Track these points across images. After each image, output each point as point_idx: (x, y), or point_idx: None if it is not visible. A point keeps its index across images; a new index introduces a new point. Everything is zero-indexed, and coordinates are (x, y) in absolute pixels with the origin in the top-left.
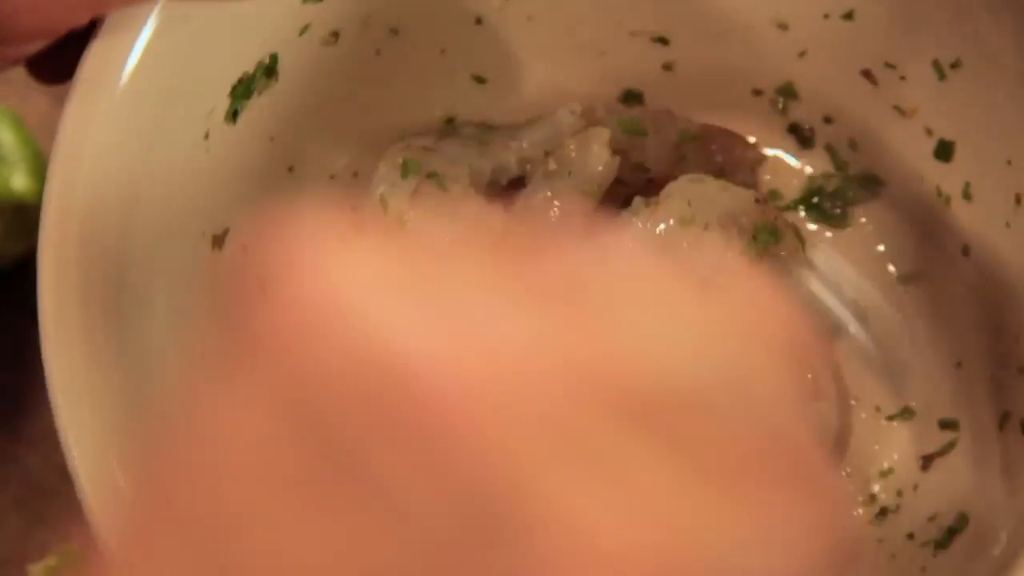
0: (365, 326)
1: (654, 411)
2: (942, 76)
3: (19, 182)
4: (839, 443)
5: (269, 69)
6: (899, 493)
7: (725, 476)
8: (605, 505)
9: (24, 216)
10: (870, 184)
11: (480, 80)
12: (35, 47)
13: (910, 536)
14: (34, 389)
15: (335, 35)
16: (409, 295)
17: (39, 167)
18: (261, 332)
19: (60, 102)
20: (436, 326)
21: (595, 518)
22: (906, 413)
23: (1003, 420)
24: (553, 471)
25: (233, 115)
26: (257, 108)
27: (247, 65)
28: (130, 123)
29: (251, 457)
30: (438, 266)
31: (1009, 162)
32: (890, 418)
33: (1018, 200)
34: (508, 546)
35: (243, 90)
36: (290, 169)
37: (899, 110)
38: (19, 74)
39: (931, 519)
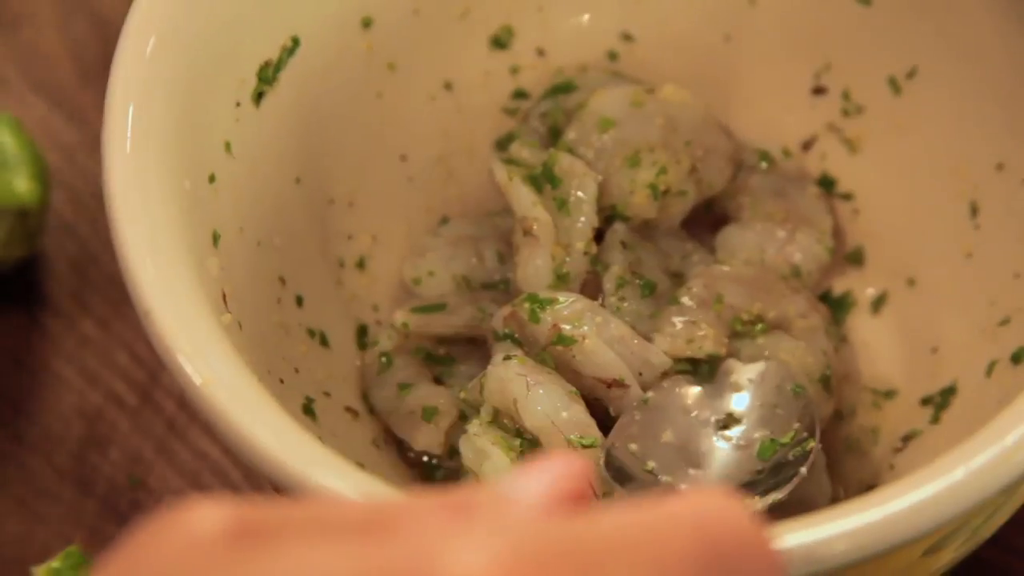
0: None
1: None
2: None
3: (21, 186)
4: None
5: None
6: None
7: None
8: None
9: (26, 220)
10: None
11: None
12: None
13: None
14: (35, 392)
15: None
16: None
17: (40, 171)
18: None
19: (58, 107)
20: None
21: None
22: None
23: None
24: None
25: (258, 97)
26: (279, 98)
27: (272, 48)
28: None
29: None
30: None
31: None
32: None
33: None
34: None
35: (269, 73)
36: (297, 180)
37: None
38: (18, 80)
39: None
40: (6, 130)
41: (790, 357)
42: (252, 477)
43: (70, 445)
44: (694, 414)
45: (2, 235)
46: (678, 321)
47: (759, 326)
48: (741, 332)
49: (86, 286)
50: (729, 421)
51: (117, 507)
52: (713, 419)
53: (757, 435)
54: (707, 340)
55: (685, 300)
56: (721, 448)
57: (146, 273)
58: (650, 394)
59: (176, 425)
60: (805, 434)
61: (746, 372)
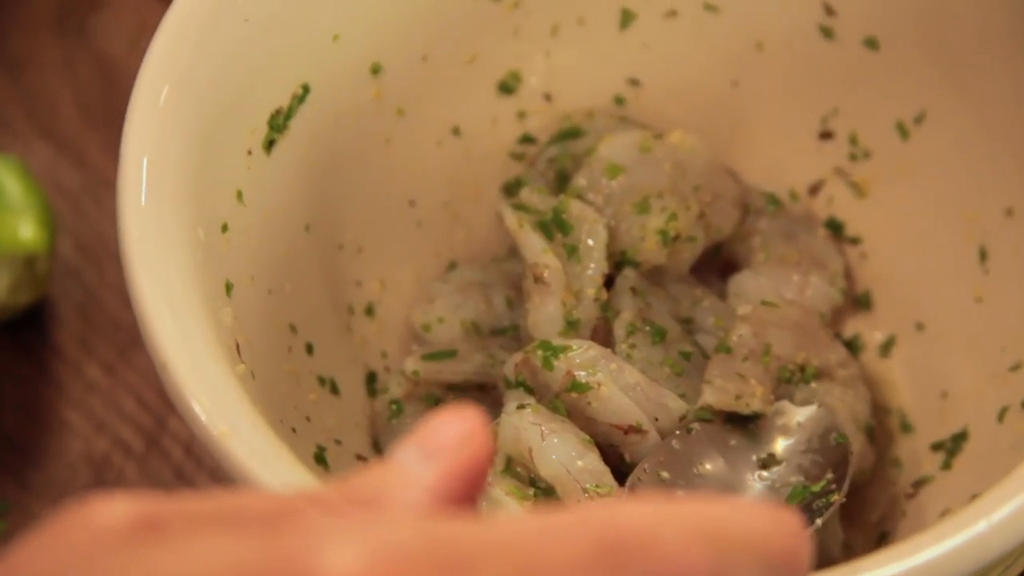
0: None
1: None
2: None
3: (27, 232)
4: None
5: (301, 99)
6: None
7: None
8: None
9: (33, 267)
10: None
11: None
12: None
13: None
14: (41, 439)
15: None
16: None
17: (47, 217)
18: None
19: (62, 152)
20: None
21: None
22: None
23: None
24: None
25: (269, 145)
26: (290, 145)
27: (283, 96)
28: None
29: None
30: None
31: None
32: None
33: None
34: None
35: (280, 120)
36: (307, 228)
37: None
38: (23, 124)
39: None
40: (12, 175)
41: (840, 404)
42: None
43: (77, 492)
44: (737, 450)
45: (9, 282)
46: (728, 374)
47: (808, 370)
48: (789, 378)
49: (92, 332)
50: (769, 461)
51: None
52: (754, 457)
53: (793, 479)
54: (755, 399)
55: (735, 348)
56: (755, 487)
57: (163, 325)
58: (696, 424)
59: (184, 472)
60: (834, 486)
61: (796, 415)
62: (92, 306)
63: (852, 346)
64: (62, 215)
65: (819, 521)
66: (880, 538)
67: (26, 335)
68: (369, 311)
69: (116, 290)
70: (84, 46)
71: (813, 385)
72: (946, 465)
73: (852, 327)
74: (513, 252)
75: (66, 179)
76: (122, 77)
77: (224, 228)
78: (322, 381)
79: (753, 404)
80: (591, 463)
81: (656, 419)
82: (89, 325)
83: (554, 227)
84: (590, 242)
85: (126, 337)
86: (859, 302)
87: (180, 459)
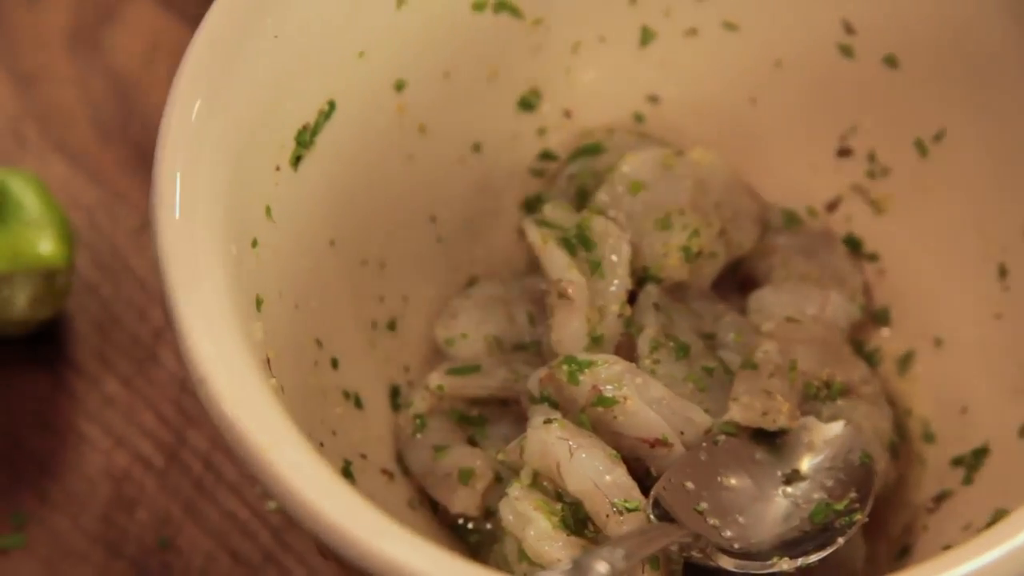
0: None
1: None
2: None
3: (47, 247)
4: None
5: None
6: None
7: None
8: None
9: (52, 282)
10: None
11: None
12: None
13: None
14: (60, 452)
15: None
16: None
17: (66, 232)
18: None
19: (78, 166)
20: None
21: None
22: None
23: None
24: None
25: (296, 160)
26: (316, 161)
27: (310, 112)
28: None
29: None
30: None
31: None
32: None
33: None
34: None
35: (307, 136)
36: (331, 243)
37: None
38: (38, 139)
39: None
40: (31, 190)
41: (866, 422)
42: (281, 537)
43: (97, 506)
44: (762, 464)
45: (29, 297)
46: (755, 390)
47: (834, 386)
48: (815, 394)
49: (109, 346)
50: (794, 477)
51: (148, 569)
52: (779, 473)
53: (816, 496)
54: (781, 415)
55: (761, 364)
56: (778, 502)
57: (200, 341)
58: (722, 436)
59: (204, 485)
60: (857, 505)
61: (822, 432)
62: (109, 321)
63: (870, 361)
64: (78, 230)
65: (842, 540)
66: (902, 552)
67: (45, 349)
68: (391, 326)
69: (133, 305)
70: (98, 61)
71: (839, 402)
72: (967, 480)
73: (871, 343)
74: (533, 267)
75: (81, 194)
76: (136, 92)
77: (254, 243)
78: (347, 395)
79: (780, 420)
80: (619, 478)
81: (681, 433)
82: (107, 339)
83: (577, 243)
84: (614, 258)
85: (143, 351)
86: (877, 318)
87: (200, 472)
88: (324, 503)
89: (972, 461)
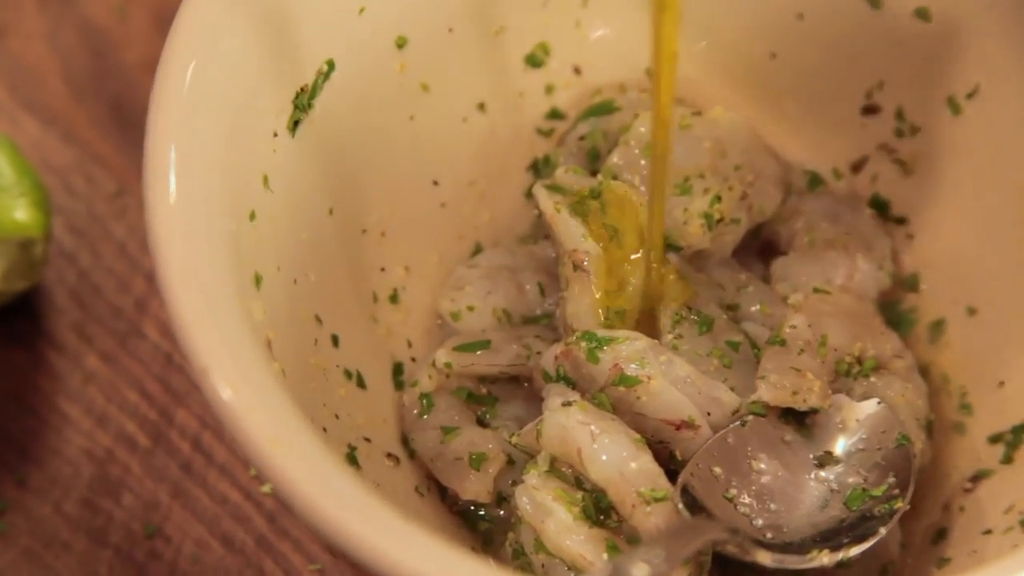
0: None
1: None
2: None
3: (23, 215)
4: None
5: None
6: None
7: None
8: None
9: (29, 251)
10: None
11: None
12: None
13: None
14: (40, 434)
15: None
16: None
17: (42, 198)
18: None
19: (50, 126)
20: None
21: None
22: None
23: None
24: None
25: (294, 125)
26: (314, 125)
27: (308, 73)
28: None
29: None
30: None
31: None
32: None
33: None
34: None
35: (305, 100)
36: (330, 211)
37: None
38: (7, 97)
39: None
40: (3, 153)
41: (901, 399)
42: (277, 522)
43: (80, 491)
44: (793, 447)
45: (3, 268)
46: (783, 368)
47: (867, 363)
48: (847, 371)
49: (89, 319)
50: (827, 460)
51: (134, 558)
52: (811, 455)
53: (851, 480)
54: (812, 394)
55: (789, 340)
56: (812, 488)
57: (201, 330)
58: (750, 417)
59: (193, 467)
60: (896, 491)
61: (856, 412)
62: (88, 291)
63: (901, 326)
64: (53, 194)
65: (883, 530)
66: (938, 535)
67: (20, 323)
68: (394, 298)
69: (113, 274)
70: (70, 14)
71: (872, 379)
72: (1007, 459)
73: (902, 306)
74: (541, 233)
75: (54, 156)
76: (111, 46)
77: (252, 216)
78: (348, 375)
79: (811, 400)
80: (645, 464)
81: (708, 414)
82: (86, 312)
83: (594, 209)
84: (635, 225)
85: (126, 324)
86: (905, 284)
87: (189, 454)
88: (336, 511)
89: (1011, 439)
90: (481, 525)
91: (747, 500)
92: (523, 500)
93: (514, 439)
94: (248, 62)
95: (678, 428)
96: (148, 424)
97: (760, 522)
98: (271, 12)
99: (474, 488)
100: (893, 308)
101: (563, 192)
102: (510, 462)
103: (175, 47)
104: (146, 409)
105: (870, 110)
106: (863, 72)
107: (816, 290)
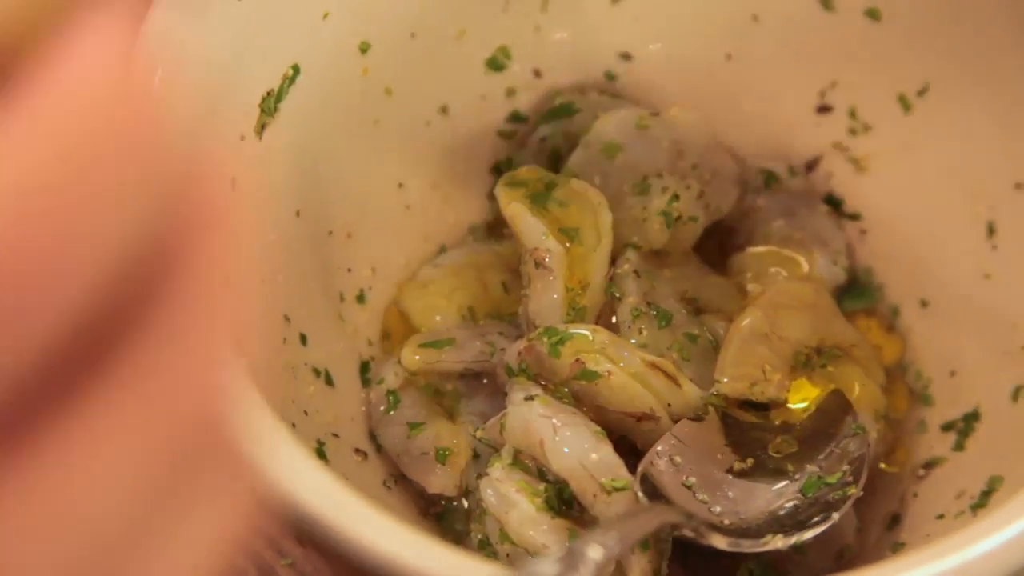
0: None
1: None
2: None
3: None
4: None
5: (292, 81)
6: None
7: None
8: None
9: None
10: None
11: None
12: None
13: None
14: None
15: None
16: None
17: None
18: None
19: None
20: None
21: None
22: None
23: None
24: None
25: (261, 129)
26: (280, 129)
27: (274, 77)
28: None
29: None
30: None
31: None
32: None
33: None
34: None
35: (271, 103)
36: (297, 213)
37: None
38: None
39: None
40: None
41: (860, 389)
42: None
43: None
44: (751, 436)
45: None
46: (742, 360)
47: (824, 353)
48: (805, 362)
49: None
50: (784, 449)
51: None
52: (769, 445)
53: (808, 468)
54: (770, 386)
55: (747, 332)
56: (769, 476)
57: None
58: (710, 409)
59: None
60: (850, 478)
61: (812, 402)
62: None
63: (854, 323)
64: None
65: (836, 515)
66: (892, 521)
67: None
68: (360, 298)
69: None
70: None
71: (830, 369)
72: (959, 446)
73: (853, 305)
74: (506, 233)
75: None
76: None
77: None
78: (317, 373)
79: (768, 391)
80: (605, 456)
81: (668, 405)
82: None
83: (554, 208)
84: (594, 223)
85: None
86: (860, 279)
87: None
88: (306, 493)
89: (963, 427)
90: (448, 515)
91: (705, 488)
92: (487, 492)
93: (479, 433)
94: (215, 67)
95: (639, 420)
96: None
97: (718, 508)
98: (237, 18)
99: (440, 482)
100: (848, 301)
101: (524, 185)
102: (475, 456)
103: (141, 56)
104: None
105: (824, 109)
106: (816, 72)
107: (774, 284)
